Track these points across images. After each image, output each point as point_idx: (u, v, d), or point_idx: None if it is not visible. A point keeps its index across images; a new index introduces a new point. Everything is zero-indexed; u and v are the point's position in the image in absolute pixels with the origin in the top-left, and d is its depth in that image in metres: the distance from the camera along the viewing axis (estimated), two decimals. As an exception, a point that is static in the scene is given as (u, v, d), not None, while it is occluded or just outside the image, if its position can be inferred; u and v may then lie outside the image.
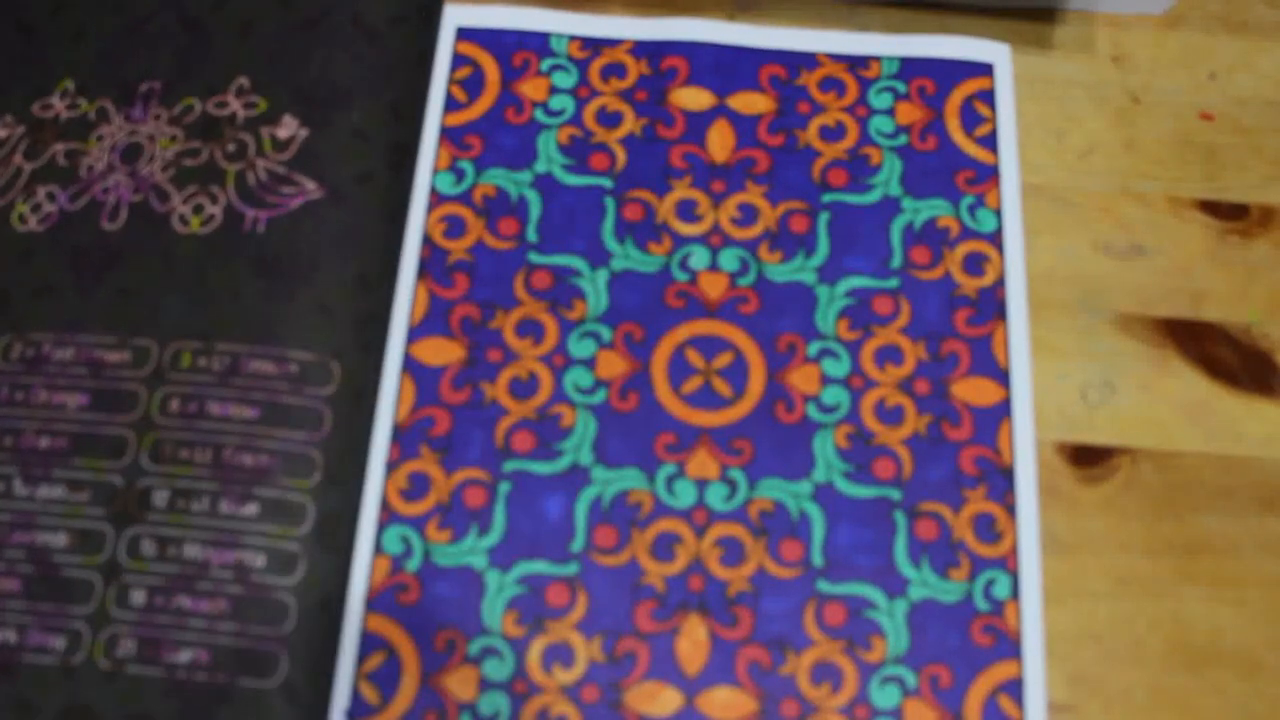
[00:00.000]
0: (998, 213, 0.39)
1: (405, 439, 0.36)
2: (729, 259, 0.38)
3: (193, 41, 0.39)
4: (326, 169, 0.37)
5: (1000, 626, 0.34)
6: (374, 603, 0.34)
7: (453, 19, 0.41)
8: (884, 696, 0.33)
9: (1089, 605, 0.35)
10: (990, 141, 0.40)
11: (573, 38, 0.41)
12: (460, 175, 0.39)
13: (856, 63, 0.41)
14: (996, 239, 0.38)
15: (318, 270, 0.36)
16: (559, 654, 0.34)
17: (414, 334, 0.37)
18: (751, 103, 0.40)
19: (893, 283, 0.38)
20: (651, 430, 0.36)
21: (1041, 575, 0.35)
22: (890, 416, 0.36)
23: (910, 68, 0.41)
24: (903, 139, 0.40)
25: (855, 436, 0.36)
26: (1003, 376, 0.37)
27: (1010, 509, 0.35)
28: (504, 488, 0.35)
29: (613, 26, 0.41)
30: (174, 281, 0.36)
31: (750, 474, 0.35)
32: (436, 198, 0.39)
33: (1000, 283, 0.38)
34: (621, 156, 0.39)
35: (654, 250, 0.38)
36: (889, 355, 0.37)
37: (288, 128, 0.38)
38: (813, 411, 0.36)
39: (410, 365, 0.37)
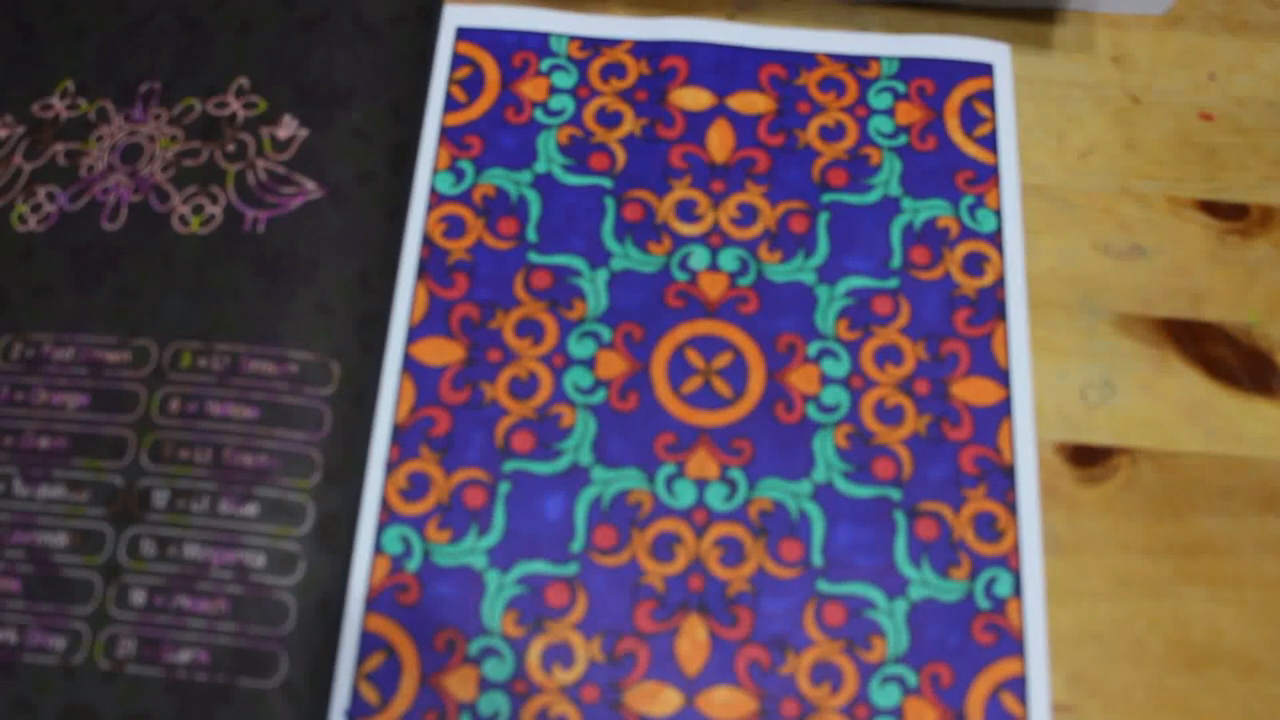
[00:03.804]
0: (997, 213, 0.39)
1: (405, 439, 0.36)
2: (729, 259, 0.38)
3: (193, 41, 0.40)
4: (326, 169, 0.38)
5: (1002, 624, 0.34)
6: (374, 603, 0.34)
7: (453, 19, 0.41)
8: (884, 696, 0.33)
9: (1089, 605, 0.35)
10: (990, 142, 0.40)
11: (573, 38, 0.41)
12: (460, 175, 0.39)
13: (856, 63, 0.41)
14: (996, 239, 0.38)
15: (318, 270, 0.36)
16: (559, 654, 0.34)
17: (414, 334, 0.37)
18: (751, 103, 0.40)
19: (892, 283, 0.38)
20: (651, 430, 0.36)
21: (1043, 574, 0.35)
22: (890, 416, 0.36)
23: (910, 68, 0.41)
24: (902, 139, 0.40)
25: (855, 436, 0.36)
26: (1003, 376, 0.37)
27: (1011, 507, 0.35)
28: (504, 488, 0.35)
29: (613, 26, 0.41)
30: (174, 281, 0.36)
31: (750, 474, 0.35)
32: (436, 198, 0.39)
33: (1000, 283, 0.38)
34: (621, 156, 0.39)
35: (654, 250, 0.38)
36: (889, 355, 0.37)
37: (288, 128, 0.38)
38: (812, 411, 0.36)
39: (410, 365, 0.37)
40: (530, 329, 0.37)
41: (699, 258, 0.38)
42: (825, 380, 0.37)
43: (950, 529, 0.35)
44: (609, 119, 0.40)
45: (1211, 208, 0.40)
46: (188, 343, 0.36)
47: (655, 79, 0.40)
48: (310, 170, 0.37)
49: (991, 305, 0.37)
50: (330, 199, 0.37)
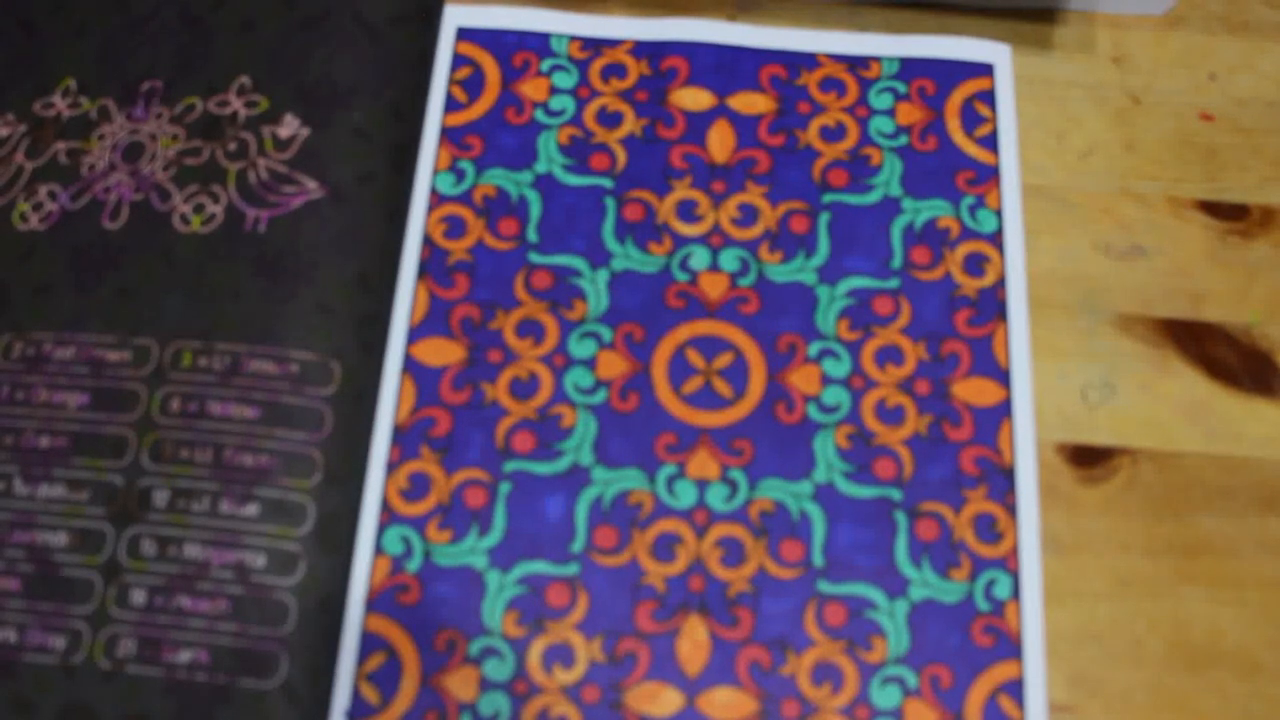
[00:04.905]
0: (998, 213, 0.39)
1: (405, 439, 0.36)
2: (729, 259, 0.38)
3: (194, 40, 0.40)
4: (327, 168, 0.37)
5: (1001, 627, 0.34)
6: (374, 603, 0.34)
7: (453, 19, 0.41)
8: (884, 697, 0.33)
9: (1089, 605, 0.35)
10: (990, 142, 0.40)
11: (573, 38, 0.41)
12: (460, 175, 0.39)
13: (857, 63, 0.41)
14: (997, 239, 0.38)
15: (318, 270, 0.36)
16: (559, 654, 0.34)
17: (414, 334, 0.37)
18: (752, 103, 0.40)
19: (893, 283, 0.38)
20: (652, 430, 0.36)
21: (1041, 575, 0.35)
22: (891, 417, 0.36)
23: (910, 68, 0.41)
24: (903, 139, 0.40)
25: (856, 437, 0.36)
26: (1003, 377, 0.37)
27: (1011, 509, 0.35)
28: (504, 488, 0.35)
29: (613, 26, 0.41)
30: (175, 281, 0.36)
31: (750, 474, 0.35)
32: (437, 198, 0.39)
33: (1000, 283, 0.38)
34: (622, 157, 0.39)
35: (654, 250, 0.38)
36: (889, 355, 0.37)
37: (289, 127, 0.38)
38: (813, 412, 0.36)
39: (410, 365, 0.37)
40: (531, 329, 0.37)
41: (699, 258, 0.38)
42: (826, 380, 0.37)
43: (950, 530, 0.35)
44: (609, 119, 0.40)
45: (1212, 208, 0.40)
46: (188, 342, 0.35)
47: (656, 79, 0.40)
48: (311, 170, 0.37)
49: (992, 305, 0.37)
50: (331, 199, 0.37)
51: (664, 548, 0.35)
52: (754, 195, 0.39)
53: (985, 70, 0.41)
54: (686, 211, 0.39)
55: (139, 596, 0.33)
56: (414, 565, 0.34)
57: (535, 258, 0.38)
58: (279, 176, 0.37)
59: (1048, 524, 0.36)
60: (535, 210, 0.39)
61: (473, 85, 0.41)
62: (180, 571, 0.33)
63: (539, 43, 0.41)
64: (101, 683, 0.32)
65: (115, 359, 0.35)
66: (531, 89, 0.40)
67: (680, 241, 0.38)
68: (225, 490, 0.34)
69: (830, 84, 0.40)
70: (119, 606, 0.33)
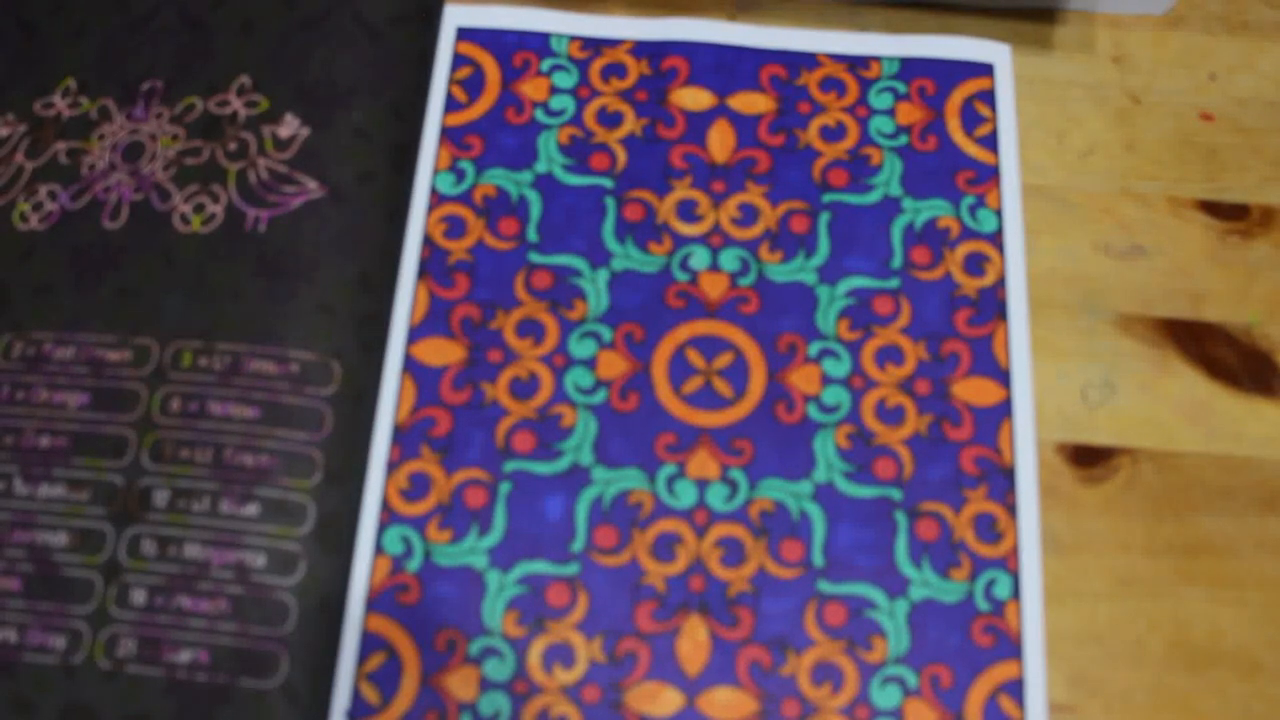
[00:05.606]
0: (998, 213, 0.39)
1: (406, 439, 0.36)
2: (729, 259, 0.38)
3: (194, 40, 0.39)
4: (328, 168, 0.37)
5: (1001, 627, 0.34)
6: (374, 603, 0.34)
7: (453, 19, 0.41)
8: (885, 697, 0.33)
9: (1089, 605, 0.35)
10: (990, 142, 0.40)
11: (573, 38, 0.41)
12: (461, 175, 0.39)
13: (857, 63, 0.41)
14: (997, 239, 0.38)
15: (319, 270, 0.36)
16: (559, 654, 0.34)
17: (414, 334, 0.37)
18: (752, 103, 0.40)
19: (893, 283, 0.38)
20: (652, 430, 0.36)
21: (1042, 575, 0.35)
22: (891, 416, 0.36)
23: (911, 68, 0.41)
24: (903, 139, 0.40)
25: (856, 436, 0.36)
26: (1003, 377, 0.37)
27: (1011, 509, 0.35)
28: (504, 488, 0.35)
29: (613, 26, 0.41)
30: (175, 281, 0.36)
31: (751, 474, 0.35)
32: (437, 198, 0.39)
33: (1001, 283, 0.38)
34: (622, 156, 0.39)
35: (654, 250, 0.38)
36: (889, 355, 0.37)
37: (289, 127, 0.38)
38: (813, 411, 0.36)
39: (410, 365, 0.37)
40: (531, 329, 0.37)
41: (700, 258, 0.38)
42: (826, 380, 0.37)
43: (951, 530, 0.35)
44: (609, 119, 0.40)
45: (1212, 208, 0.40)
46: (188, 342, 0.36)
47: (656, 79, 0.40)
48: (311, 169, 0.37)
49: (992, 305, 0.37)
50: (331, 198, 0.37)
51: (664, 547, 0.35)
52: (754, 195, 0.39)
53: (985, 70, 0.41)
54: (686, 211, 0.39)
55: (139, 596, 0.33)
56: (414, 565, 0.34)
57: (535, 257, 0.38)
58: (279, 176, 0.37)
59: (1048, 524, 0.36)
60: (535, 210, 0.39)
61: (473, 85, 0.41)
62: (180, 571, 0.33)
63: (539, 43, 0.41)
64: (101, 683, 0.32)
65: (115, 359, 0.35)
66: (531, 89, 0.40)
67: (680, 241, 0.38)
68: (225, 490, 0.34)
69: (830, 84, 0.40)
70: (119, 606, 0.33)
